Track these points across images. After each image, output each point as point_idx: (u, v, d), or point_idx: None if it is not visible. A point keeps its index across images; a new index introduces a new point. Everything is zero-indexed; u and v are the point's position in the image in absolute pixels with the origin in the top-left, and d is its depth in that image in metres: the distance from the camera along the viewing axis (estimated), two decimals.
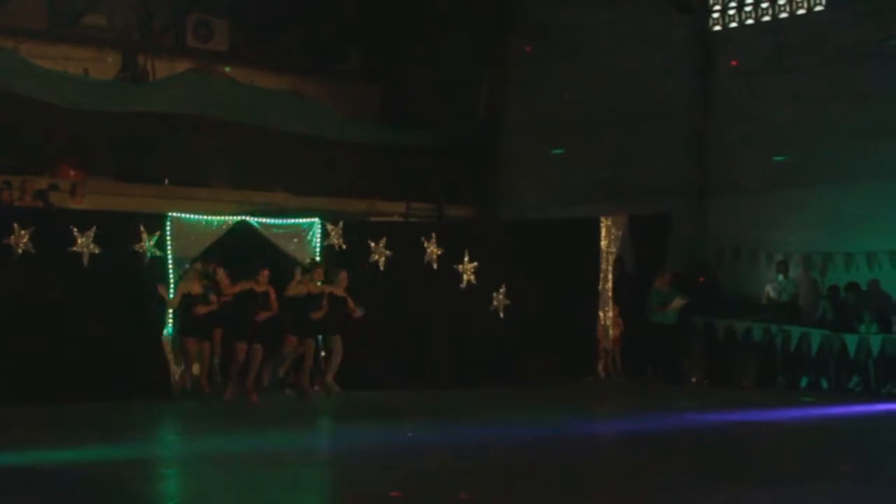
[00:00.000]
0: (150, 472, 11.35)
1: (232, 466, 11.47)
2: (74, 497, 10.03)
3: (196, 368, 16.52)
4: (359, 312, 16.94)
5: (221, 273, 16.33)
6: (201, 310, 15.97)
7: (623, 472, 12.13)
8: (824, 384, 19.25)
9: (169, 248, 16.45)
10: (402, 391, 16.95)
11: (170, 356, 16.43)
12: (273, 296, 16.39)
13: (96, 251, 15.93)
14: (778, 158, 21.06)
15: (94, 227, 15.94)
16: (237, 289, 16.22)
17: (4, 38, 21.62)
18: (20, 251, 15.49)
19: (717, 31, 22.62)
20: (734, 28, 22.43)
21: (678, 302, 19.72)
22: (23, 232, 15.50)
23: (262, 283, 16.34)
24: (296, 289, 16.62)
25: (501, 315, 18.70)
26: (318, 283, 16.71)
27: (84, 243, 15.88)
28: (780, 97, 21.20)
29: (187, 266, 16.62)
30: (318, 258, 17.29)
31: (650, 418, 15.44)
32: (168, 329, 16.49)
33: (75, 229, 15.86)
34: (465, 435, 13.52)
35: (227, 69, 24.45)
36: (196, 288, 16.14)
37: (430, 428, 13.88)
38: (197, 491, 10.77)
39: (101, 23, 23.54)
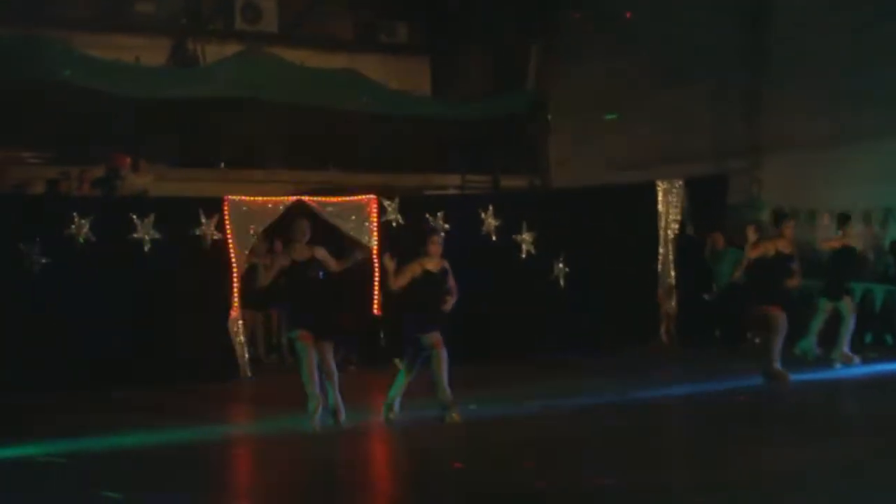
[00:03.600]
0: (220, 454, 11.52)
1: (294, 443, 11.58)
2: (150, 479, 10.21)
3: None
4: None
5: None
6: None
7: (692, 434, 12.17)
8: (888, 340, 19.08)
9: (228, 230, 16.56)
10: (464, 364, 16.92)
11: (237, 337, 16.57)
12: (451, 276, 12.84)
13: (156, 237, 16.10)
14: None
15: (153, 214, 16.11)
16: (408, 276, 12.48)
17: (57, 30, 21.76)
18: (81, 240, 15.69)
19: None
20: None
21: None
22: (83, 221, 15.70)
23: (434, 255, 12.72)
24: (757, 250, 14.52)
25: (562, 284, 18.66)
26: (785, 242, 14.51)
27: (144, 230, 16.05)
28: (835, 51, 20.92)
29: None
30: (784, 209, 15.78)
31: (716, 381, 15.36)
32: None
33: (134, 216, 16.03)
34: (530, 406, 13.54)
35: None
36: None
37: (494, 400, 13.89)
38: (254, 468, 10.95)
39: (150, 10, 23.65)
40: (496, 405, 13.53)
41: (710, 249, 19.64)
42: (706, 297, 19.57)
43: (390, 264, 12.31)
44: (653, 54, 23.07)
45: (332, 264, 12.64)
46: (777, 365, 14.82)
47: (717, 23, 22.31)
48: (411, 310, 12.62)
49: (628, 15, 23.29)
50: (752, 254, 14.45)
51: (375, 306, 17.43)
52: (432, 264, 12.58)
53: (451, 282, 12.71)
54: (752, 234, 14.46)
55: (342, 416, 12.34)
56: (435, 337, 12.42)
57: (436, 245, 12.63)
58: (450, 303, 12.61)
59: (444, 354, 12.42)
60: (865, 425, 12.50)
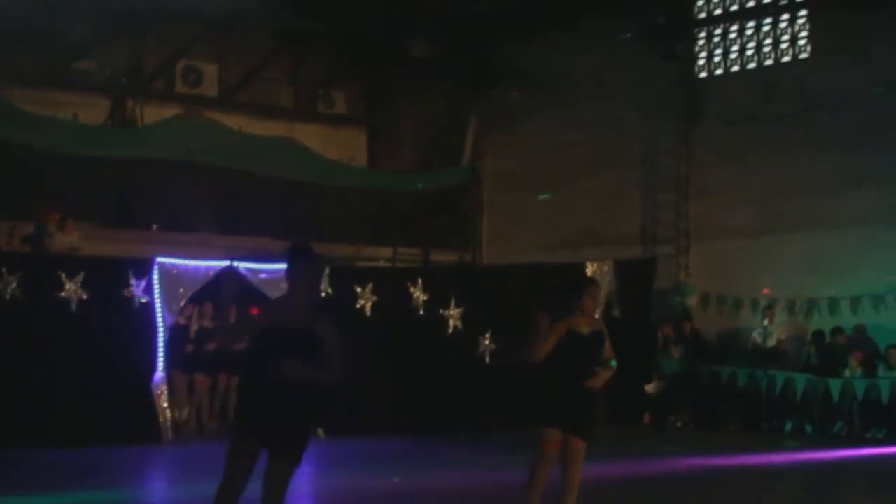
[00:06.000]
0: None
1: None
2: None
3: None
4: None
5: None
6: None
7: None
8: (808, 429, 19.33)
9: (157, 293, 16.49)
10: (389, 437, 16.95)
11: (161, 400, 16.45)
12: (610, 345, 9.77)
13: (84, 297, 15.99)
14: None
15: (82, 273, 16.01)
16: (559, 333, 9.49)
17: None
18: (8, 296, 15.54)
19: (703, 78, 22.81)
20: (720, 75, 22.64)
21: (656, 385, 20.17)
22: (11, 277, 15.56)
23: (590, 313, 9.74)
24: None
25: (487, 360, 18.73)
26: None
27: (72, 289, 15.93)
28: (764, 143, 21.36)
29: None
30: None
31: (634, 462, 15.47)
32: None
33: (63, 275, 15.93)
34: (452, 480, 13.55)
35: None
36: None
37: (418, 474, 13.90)
38: None
39: (90, 68, 23.59)
40: (419, 479, 13.55)
41: (662, 342, 20.25)
42: (649, 389, 20.01)
43: (547, 329, 9.50)
44: (587, 138, 23.40)
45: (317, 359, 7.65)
46: None
47: (651, 112, 22.70)
48: (543, 385, 9.95)
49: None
50: None
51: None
52: (584, 324, 9.57)
53: (609, 350, 9.69)
54: None
55: None
56: (577, 443, 9.68)
57: (593, 300, 9.71)
58: (601, 378, 9.54)
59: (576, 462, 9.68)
60: None
